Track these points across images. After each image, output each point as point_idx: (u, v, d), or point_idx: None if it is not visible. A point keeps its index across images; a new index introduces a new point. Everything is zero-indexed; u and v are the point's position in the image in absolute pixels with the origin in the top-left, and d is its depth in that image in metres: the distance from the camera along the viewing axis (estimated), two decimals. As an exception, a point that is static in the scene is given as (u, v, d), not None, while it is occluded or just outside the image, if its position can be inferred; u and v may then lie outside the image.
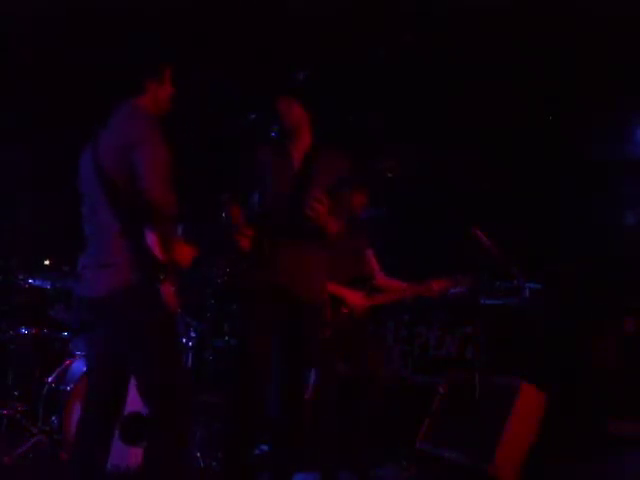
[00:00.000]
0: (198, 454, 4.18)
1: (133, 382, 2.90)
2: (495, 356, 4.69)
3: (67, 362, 4.46)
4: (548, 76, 5.29)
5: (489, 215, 5.18)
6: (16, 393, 4.31)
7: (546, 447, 4.00)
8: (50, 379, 4.35)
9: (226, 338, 4.90)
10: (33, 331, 4.51)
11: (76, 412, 4.03)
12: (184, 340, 4.42)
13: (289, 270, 3.27)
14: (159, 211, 2.68)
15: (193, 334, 4.53)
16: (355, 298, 4.06)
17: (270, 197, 3.35)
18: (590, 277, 4.79)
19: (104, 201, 2.79)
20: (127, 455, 3.97)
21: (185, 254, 2.82)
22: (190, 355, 4.64)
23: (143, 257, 2.71)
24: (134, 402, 3.84)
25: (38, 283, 4.62)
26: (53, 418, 4.16)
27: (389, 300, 4.31)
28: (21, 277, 4.50)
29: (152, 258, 2.71)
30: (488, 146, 5.79)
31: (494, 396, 4.00)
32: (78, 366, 4.33)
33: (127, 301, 2.73)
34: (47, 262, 5.41)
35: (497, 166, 5.86)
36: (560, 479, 3.97)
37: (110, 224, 2.77)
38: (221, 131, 6.12)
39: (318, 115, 3.41)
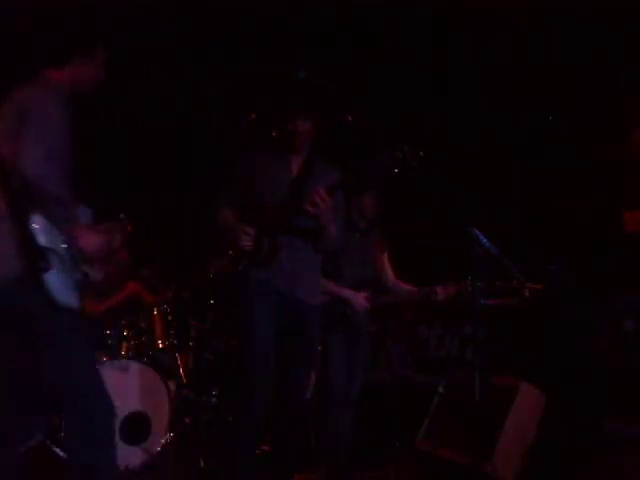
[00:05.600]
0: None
1: (131, 381, 2.85)
2: (495, 356, 4.69)
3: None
4: (548, 76, 5.29)
5: (489, 215, 5.18)
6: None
7: (546, 447, 4.00)
8: (50, 379, 4.34)
9: (226, 338, 4.89)
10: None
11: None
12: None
13: (288, 271, 3.29)
14: (36, 188, 2.36)
15: (193, 334, 4.53)
16: (357, 299, 4.04)
17: (269, 198, 3.36)
18: (590, 277, 4.78)
19: None
20: (127, 455, 3.97)
21: (89, 241, 2.50)
22: (190, 355, 4.65)
23: (26, 244, 2.35)
24: (134, 402, 3.86)
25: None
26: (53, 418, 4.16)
27: (391, 302, 4.31)
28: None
29: (34, 245, 2.34)
30: (488, 146, 5.79)
31: (494, 396, 3.99)
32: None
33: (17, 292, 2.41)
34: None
35: (497, 166, 5.86)
36: (560, 479, 3.97)
37: None
38: (222, 131, 6.10)
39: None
